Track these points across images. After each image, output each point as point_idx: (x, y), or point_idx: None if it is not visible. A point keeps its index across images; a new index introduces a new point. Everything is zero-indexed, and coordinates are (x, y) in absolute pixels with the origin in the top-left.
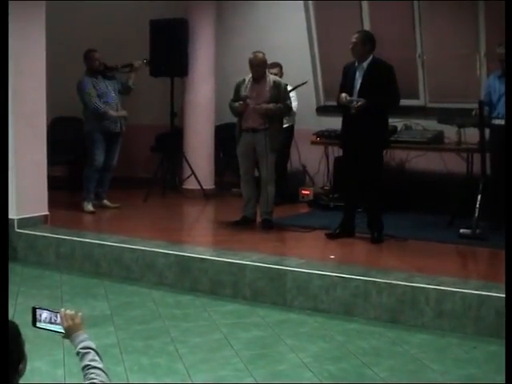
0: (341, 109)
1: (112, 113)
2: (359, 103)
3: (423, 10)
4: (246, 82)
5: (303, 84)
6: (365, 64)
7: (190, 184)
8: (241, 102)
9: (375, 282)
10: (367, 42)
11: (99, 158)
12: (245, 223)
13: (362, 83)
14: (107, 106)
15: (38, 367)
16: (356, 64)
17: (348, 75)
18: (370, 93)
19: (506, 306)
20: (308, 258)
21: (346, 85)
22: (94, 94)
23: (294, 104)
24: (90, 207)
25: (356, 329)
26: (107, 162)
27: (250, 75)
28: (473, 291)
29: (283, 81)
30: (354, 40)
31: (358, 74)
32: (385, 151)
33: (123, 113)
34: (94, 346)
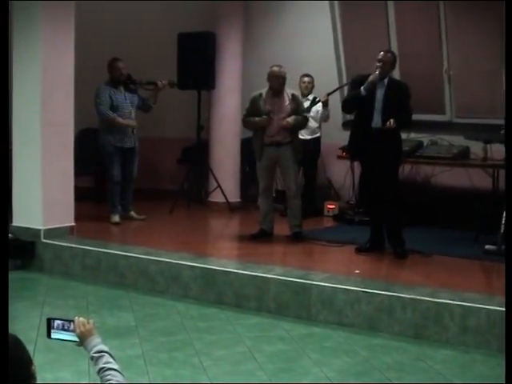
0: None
1: (120, 120)
2: (393, 125)
3: (450, 25)
4: (264, 96)
5: (344, 86)
6: (385, 81)
7: (216, 197)
8: (265, 117)
9: (399, 297)
10: (394, 62)
11: (116, 171)
12: (262, 236)
13: (385, 99)
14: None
15: (62, 377)
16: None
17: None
18: (394, 109)
19: (506, 314)
20: (333, 273)
21: (365, 99)
22: (107, 103)
23: (328, 111)
24: (116, 218)
25: (380, 344)
26: (126, 175)
27: (266, 89)
28: (498, 307)
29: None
30: (383, 58)
31: (378, 89)
32: (410, 166)
33: (132, 122)
34: (107, 348)
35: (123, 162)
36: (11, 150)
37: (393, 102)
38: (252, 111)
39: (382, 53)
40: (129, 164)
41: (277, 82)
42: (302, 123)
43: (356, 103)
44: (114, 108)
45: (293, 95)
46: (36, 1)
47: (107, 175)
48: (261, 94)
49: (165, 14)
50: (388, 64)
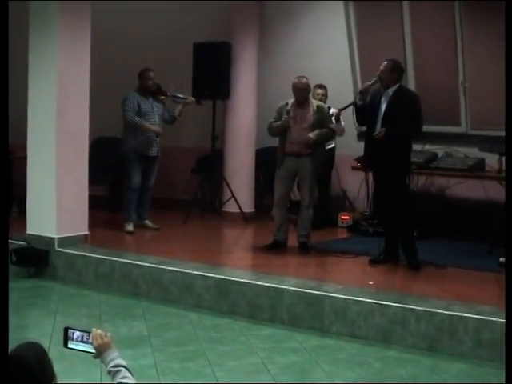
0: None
1: (148, 125)
2: (380, 134)
3: (465, 37)
4: (289, 106)
5: (353, 104)
6: (390, 91)
7: (230, 207)
8: (284, 119)
9: (413, 309)
10: (394, 70)
11: (136, 179)
12: (276, 247)
13: (386, 109)
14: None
15: None
16: (382, 90)
17: (373, 100)
18: (394, 119)
19: (506, 317)
20: (346, 284)
21: (371, 109)
22: (134, 109)
23: (342, 125)
24: (130, 227)
25: (393, 356)
26: (144, 183)
27: (293, 99)
28: None
29: (326, 104)
30: (381, 67)
31: (383, 99)
32: (425, 178)
33: (158, 128)
34: (124, 363)
35: (144, 170)
36: (25, 157)
37: (395, 111)
38: (277, 120)
39: (384, 62)
40: (148, 173)
41: (297, 93)
42: (327, 136)
43: (360, 114)
44: (140, 115)
45: (317, 106)
46: (53, 1)
47: (125, 182)
48: (286, 104)
49: (180, 24)
50: (386, 72)
